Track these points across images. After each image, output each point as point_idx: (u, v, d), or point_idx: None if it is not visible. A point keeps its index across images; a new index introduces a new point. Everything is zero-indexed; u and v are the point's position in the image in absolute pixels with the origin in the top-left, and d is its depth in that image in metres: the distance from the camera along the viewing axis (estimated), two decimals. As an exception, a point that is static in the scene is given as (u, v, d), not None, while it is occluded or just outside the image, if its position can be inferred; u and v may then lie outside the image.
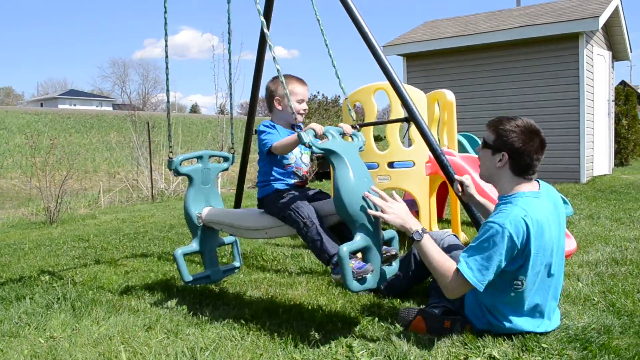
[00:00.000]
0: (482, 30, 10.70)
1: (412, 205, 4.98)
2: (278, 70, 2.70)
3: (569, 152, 9.95)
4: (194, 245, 3.32)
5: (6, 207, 13.48)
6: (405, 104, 3.50)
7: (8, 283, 4.07)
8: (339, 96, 21.19)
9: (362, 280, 2.45)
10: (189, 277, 3.23)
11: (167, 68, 3.50)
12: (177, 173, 3.29)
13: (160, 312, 3.08)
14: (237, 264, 3.60)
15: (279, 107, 3.02)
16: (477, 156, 4.72)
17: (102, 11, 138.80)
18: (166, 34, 3.51)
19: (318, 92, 18.75)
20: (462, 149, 6.14)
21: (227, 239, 3.54)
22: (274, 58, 2.72)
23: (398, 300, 3.11)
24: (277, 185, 2.95)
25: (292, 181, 2.98)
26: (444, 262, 2.39)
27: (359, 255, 2.55)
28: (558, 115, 10.02)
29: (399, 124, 4.16)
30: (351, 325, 2.75)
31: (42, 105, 64.38)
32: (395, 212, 2.45)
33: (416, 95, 4.09)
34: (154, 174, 13.11)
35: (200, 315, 3.00)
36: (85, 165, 23.16)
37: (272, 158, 2.95)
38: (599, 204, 6.86)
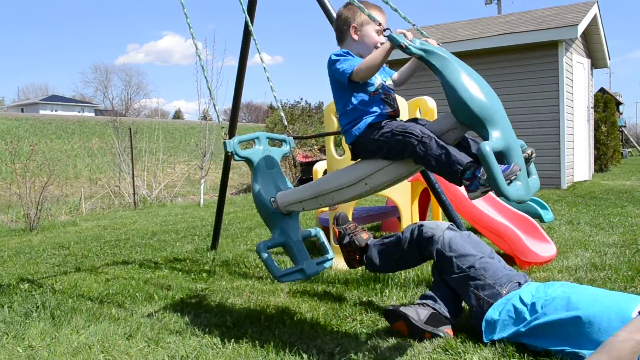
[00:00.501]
0: (462, 37, 10.81)
1: (394, 212, 5.01)
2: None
3: (549, 159, 10.07)
4: (277, 236, 2.84)
5: (-15, 214, 13.26)
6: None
7: (-14, 291, 4.01)
8: (322, 102, 21.25)
9: (513, 184, 2.04)
10: (279, 272, 2.73)
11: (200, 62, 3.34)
12: (237, 156, 2.83)
13: (140, 320, 3.06)
14: (329, 255, 3.01)
15: (355, 37, 2.55)
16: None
17: (84, 16, 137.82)
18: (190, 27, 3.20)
19: (301, 99, 18.78)
20: (444, 155, 6.18)
21: (311, 230, 3.07)
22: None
23: (380, 304, 3.12)
24: (370, 119, 2.43)
25: (385, 110, 2.46)
26: None
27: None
28: (538, 122, 10.15)
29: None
30: (333, 332, 2.75)
31: (22, 111, 63.64)
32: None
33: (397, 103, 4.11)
34: (136, 180, 13.01)
35: (182, 323, 2.98)
36: (67, 171, 22.89)
37: (355, 88, 2.45)
38: (579, 210, 6.95)
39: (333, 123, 4.49)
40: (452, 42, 10.71)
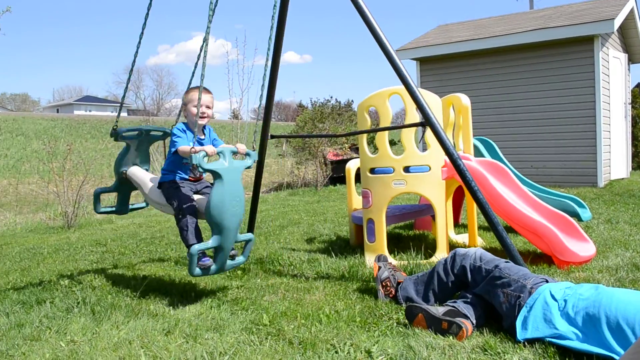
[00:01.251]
0: (495, 33, 10.65)
1: (428, 210, 4.97)
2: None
3: (585, 156, 9.86)
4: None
5: (24, 212, 13.63)
6: (421, 108, 3.50)
7: (28, 287, 4.12)
8: (352, 100, 21.20)
9: (205, 270, 3.32)
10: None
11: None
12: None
13: (178, 317, 3.10)
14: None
15: (185, 114, 3.72)
16: (493, 160, 4.71)
17: (116, 17, 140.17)
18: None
19: (331, 97, 18.77)
20: (477, 152, 6.11)
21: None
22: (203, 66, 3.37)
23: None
24: (172, 177, 3.65)
25: (187, 175, 3.67)
26: None
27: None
28: (574, 119, 9.95)
29: (414, 128, 4.16)
30: (370, 330, 2.75)
31: (58, 112, 65.15)
32: None
33: (431, 100, 4.08)
34: (169, 179, 13.17)
35: (218, 320, 3.02)
36: (102, 170, 23.33)
37: (177, 155, 3.51)
38: (617, 208, 6.79)
39: (366, 121, 4.48)
40: (484, 39, 10.57)
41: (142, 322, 3.02)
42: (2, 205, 15.66)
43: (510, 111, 10.52)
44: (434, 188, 4.23)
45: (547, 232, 3.88)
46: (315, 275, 3.99)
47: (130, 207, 4.27)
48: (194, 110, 3.51)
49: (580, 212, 5.72)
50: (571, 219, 4.28)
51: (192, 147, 3.16)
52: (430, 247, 4.60)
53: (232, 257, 3.52)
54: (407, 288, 3.17)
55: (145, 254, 5.44)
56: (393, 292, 3.22)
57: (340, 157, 15.57)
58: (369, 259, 4.25)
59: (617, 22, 9.60)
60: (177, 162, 3.61)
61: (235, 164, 3.33)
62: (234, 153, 3.35)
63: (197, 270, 3.25)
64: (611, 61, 10.40)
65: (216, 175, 3.15)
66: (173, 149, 3.49)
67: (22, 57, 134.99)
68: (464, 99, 4.88)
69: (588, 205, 6.45)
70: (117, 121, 3.93)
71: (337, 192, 12.11)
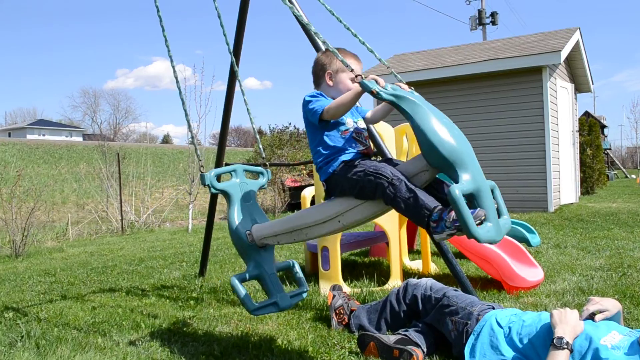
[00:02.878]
0: (448, 63, 10.97)
1: (383, 237, 5.02)
2: (325, 42, 2.61)
3: (536, 182, 10.17)
4: (251, 269, 2.83)
5: (-31, 241, 13.09)
6: (372, 138, 3.56)
7: (-31, 321, 3.95)
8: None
9: (483, 225, 2.10)
10: (253, 305, 2.73)
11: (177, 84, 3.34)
12: (214, 189, 2.86)
13: (127, 350, 3.03)
14: (304, 287, 3.00)
15: (330, 83, 2.64)
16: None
17: (73, 40, 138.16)
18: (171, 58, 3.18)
19: (290, 123, 18.84)
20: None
21: (285, 263, 3.09)
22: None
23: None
24: (343, 157, 2.49)
25: (357, 149, 2.54)
26: None
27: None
28: (524, 146, 10.27)
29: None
30: (321, 360, 2.74)
31: (9, 135, 63.34)
32: (562, 313, 2.31)
33: (383, 129, 4.16)
34: (123, 205, 12.93)
35: (169, 352, 2.95)
36: (54, 196, 22.71)
37: (326, 128, 2.53)
38: (566, 233, 7.00)
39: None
40: (439, 68, 10.87)
41: (89, 356, 2.93)
42: (-53, 233, 15.00)
43: (464, 138, 10.77)
44: (387, 216, 4.26)
45: (496, 258, 3.97)
46: (270, 304, 3.95)
47: (290, 294, 2.91)
48: (350, 84, 2.58)
49: (530, 237, 5.86)
50: (520, 244, 4.39)
51: (355, 78, 2.34)
52: (384, 274, 4.64)
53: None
54: (360, 316, 3.18)
55: (96, 284, 5.30)
56: (346, 320, 3.23)
57: (299, 184, 15.60)
58: (324, 287, 4.25)
59: (564, 54, 10.03)
60: (330, 136, 2.53)
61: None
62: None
63: (481, 231, 2.10)
64: (559, 91, 10.83)
65: (407, 102, 2.25)
66: (317, 115, 2.47)
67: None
68: (417, 128, 4.98)
69: (538, 230, 6.63)
70: (200, 160, 3.11)
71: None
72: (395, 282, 4.22)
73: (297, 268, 3.08)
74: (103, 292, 4.82)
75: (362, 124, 2.65)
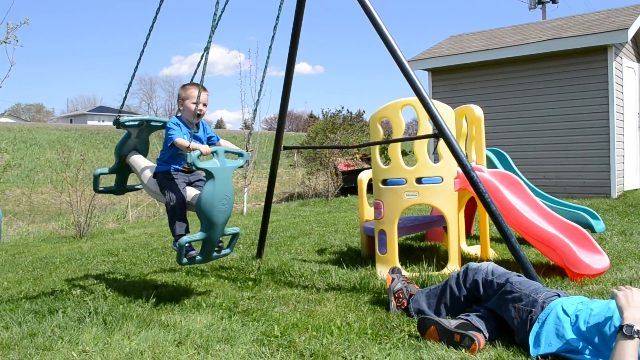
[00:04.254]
0: (508, 44, 10.63)
1: (441, 222, 4.95)
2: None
3: (599, 167, 9.78)
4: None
5: (37, 221, 13.75)
6: (434, 119, 3.49)
7: (41, 296, 4.14)
8: (364, 111, 21.20)
9: (191, 259, 3.60)
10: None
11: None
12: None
13: (190, 328, 3.10)
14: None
15: (181, 108, 3.84)
16: (505, 172, 4.68)
17: (130, 28, 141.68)
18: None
19: (342, 107, 18.80)
20: (490, 164, 6.08)
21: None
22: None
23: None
24: (167, 167, 3.80)
25: (181, 166, 3.80)
26: None
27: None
28: (587, 129, 9.88)
29: (426, 139, 4.15)
30: (382, 343, 2.73)
31: (71, 122, 65.81)
32: (627, 294, 2.22)
33: (444, 111, 4.07)
34: (180, 189, 13.23)
35: (229, 331, 3.01)
36: (114, 180, 23.52)
37: (173, 147, 3.69)
38: (631, 220, 6.71)
39: (378, 132, 4.48)
40: (498, 49, 10.55)
41: (154, 333, 3.02)
42: (16, 215, 15.81)
43: (523, 122, 10.47)
44: (446, 199, 4.21)
45: (560, 244, 3.84)
46: (327, 287, 3.97)
47: (127, 187, 4.48)
48: (192, 107, 3.68)
49: (594, 223, 5.66)
50: (584, 230, 4.23)
51: (190, 143, 3.41)
52: (442, 259, 4.58)
53: (219, 250, 3.84)
54: (419, 301, 3.14)
55: (157, 264, 5.46)
56: (405, 304, 3.20)
57: (352, 168, 15.57)
58: (381, 271, 4.23)
59: (631, 32, 9.54)
60: (172, 154, 3.77)
61: (228, 164, 3.52)
62: (227, 152, 3.55)
63: (185, 260, 3.55)
64: (625, 71, 10.34)
65: (208, 174, 3.36)
66: (170, 142, 3.65)
67: (37, 68, 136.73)
68: (477, 110, 4.87)
69: (601, 217, 6.38)
70: (120, 110, 4.07)
71: (348, 202, 12.09)
72: (453, 266, 4.15)
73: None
74: (164, 271, 4.96)
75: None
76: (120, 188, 4.47)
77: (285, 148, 4.76)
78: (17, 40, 6.90)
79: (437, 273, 4.08)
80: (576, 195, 9.69)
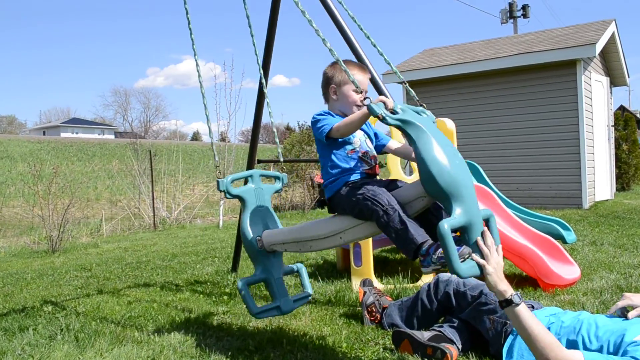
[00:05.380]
0: (479, 57, 10.83)
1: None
2: (334, 54, 2.54)
3: (570, 178, 9.98)
4: (258, 274, 2.95)
5: (8, 236, 13.46)
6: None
7: (11, 314, 4.06)
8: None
9: (467, 261, 2.16)
10: (256, 309, 2.87)
11: (201, 86, 3.20)
12: (229, 194, 2.92)
13: (163, 344, 3.07)
14: (309, 291, 3.13)
15: (334, 97, 2.73)
16: (477, 184, 4.75)
17: (105, 40, 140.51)
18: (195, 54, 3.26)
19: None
20: (463, 176, 6.15)
21: (293, 266, 3.17)
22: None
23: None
24: (346, 178, 2.59)
25: (362, 169, 2.62)
26: (544, 335, 2.11)
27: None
28: (558, 141, 10.09)
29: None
30: (357, 356, 2.74)
31: (44, 134, 64.80)
32: (496, 266, 2.16)
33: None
34: (155, 202, 13.12)
35: (204, 347, 2.99)
36: (87, 193, 23.20)
37: (334, 145, 2.61)
38: (602, 230, 6.86)
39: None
40: (470, 62, 10.74)
41: (127, 350, 2.98)
42: (-14, 229, 15.45)
43: (496, 134, 10.64)
44: (420, 212, 4.25)
45: (532, 255, 3.91)
46: (302, 300, 3.97)
47: (294, 298, 3.04)
48: (355, 96, 2.67)
49: (565, 234, 5.75)
50: (556, 241, 4.32)
51: (363, 104, 2.52)
52: (417, 271, 4.61)
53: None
54: (392, 314, 3.16)
55: (131, 279, 5.39)
56: (379, 318, 3.22)
57: (328, 180, 15.58)
58: (356, 284, 4.25)
59: (599, 47, 9.81)
60: (337, 153, 2.62)
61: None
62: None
63: (464, 267, 2.14)
64: (593, 84, 10.60)
65: (413, 127, 2.25)
66: (325, 133, 2.55)
67: (9, 79, 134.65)
68: (449, 123, 4.93)
69: (573, 227, 6.50)
70: (217, 166, 3.10)
71: (324, 214, 12.11)
72: (428, 278, 4.19)
73: (303, 272, 3.18)
74: (138, 287, 4.90)
75: (370, 144, 2.73)
76: (285, 299, 2.99)
77: (260, 161, 4.77)
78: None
79: (412, 285, 4.11)
80: (549, 206, 9.86)
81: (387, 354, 2.74)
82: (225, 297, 4.17)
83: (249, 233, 2.93)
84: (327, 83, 2.76)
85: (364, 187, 2.45)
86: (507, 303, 2.14)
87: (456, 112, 10.52)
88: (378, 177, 2.71)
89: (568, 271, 4.00)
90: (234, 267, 5.18)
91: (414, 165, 4.27)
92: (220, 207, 12.04)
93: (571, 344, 2.30)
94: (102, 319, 3.71)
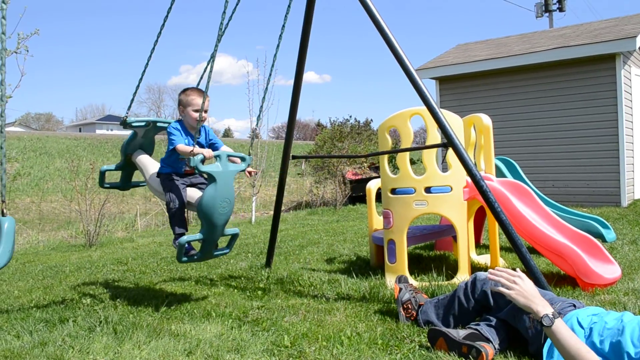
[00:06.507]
0: (515, 52, 10.64)
1: (450, 231, 4.94)
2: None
3: (608, 175, 9.74)
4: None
5: (47, 230, 13.82)
6: (442, 129, 3.49)
7: (51, 305, 4.16)
8: (371, 119, 21.20)
9: (190, 257, 3.78)
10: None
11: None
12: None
13: (200, 337, 3.10)
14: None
15: (183, 114, 3.92)
16: (515, 181, 4.67)
17: (139, 37, 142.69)
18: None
19: (350, 116, 18.81)
20: (499, 173, 6.07)
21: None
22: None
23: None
24: (170, 170, 3.91)
25: (182, 169, 3.91)
26: (585, 353, 2.12)
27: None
28: (596, 138, 9.85)
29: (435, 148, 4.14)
30: (392, 353, 2.72)
31: (80, 130, 66.20)
32: (521, 290, 2.35)
33: (453, 120, 4.07)
34: (189, 198, 13.27)
35: (240, 341, 3.01)
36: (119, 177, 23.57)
37: (174, 152, 3.76)
38: (642, 229, 6.67)
39: (387, 141, 4.49)
40: (505, 57, 10.56)
41: (164, 342, 3.02)
42: (25, 223, 15.89)
43: (532, 130, 10.44)
44: (455, 209, 4.20)
45: (571, 253, 3.82)
46: (336, 296, 3.97)
47: (132, 183, 4.64)
48: (194, 114, 3.80)
49: (604, 232, 5.63)
50: (595, 240, 4.21)
51: (193, 148, 3.49)
52: (451, 268, 4.56)
53: (216, 247, 3.98)
54: (428, 312, 3.13)
55: (166, 272, 5.47)
56: (414, 315, 3.19)
57: (360, 177, 15.56)
58: (390, 280, 4.23)
59: (639, 40, 9.53)
60: (174, 157, 3.86)
61: (230, 168, 3.60)
62: (229, 156, 3.63)
63: (184, 259, 3.73)
64: (633, 79, 10.31)
65: (210, 177, 3.45)
66: (171, 147, 3.74)
67: (47, 77, 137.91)
68: (485, 119, 4.86)
69: (612, 226, 6.35)
70: (127, 111, 4.09)
71: (356, 211, 12.08)
72: (463, 276, 4.14)
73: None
74: (173, 280, 4.97)
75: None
76: (126, 184, 4.64)
77: (294, 157, 4.78)
78: (27, 50, 6.99)
79: (446, 283, 4.07)
80: (585, 204, 9.65)
81: (423, 352, 2.71)
82: (259, 292, 4.20)
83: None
84: (178, 105, 3.98)
85: (173, 182, 3.88)
86: (541, 324, 2.18)
87: (492, 107, 10.36)
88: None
89: (608, 270, 3.90)
90: (268, 263, 5.20)
91: (449, 160, 4.23)
92: (252, 202, 12.12)
93: (614, 346, 2.24)
94: (140, 312, 3.77)
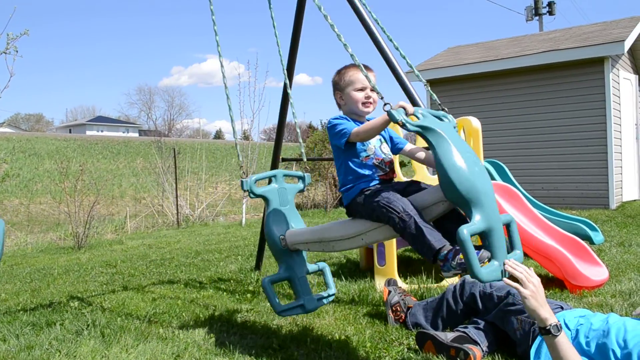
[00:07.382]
0: (505, 55, 10.69)
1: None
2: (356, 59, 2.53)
3: (597, 177, 9.81)
4: (282, 272, 2.99)
5: (35, 232, 13.71)
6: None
7: (38, 308, 4.12)
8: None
9: (489, 264, 2.14)
10: (280, 307, 2.91)
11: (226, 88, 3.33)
12: (252, 194, 3.01)
13: (188, 341, 3.09)
14: (331, 290, 3.12)
15: (342, 102, 2.80)
16: (503, 183, 4.70)
17: (131, 39, 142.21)
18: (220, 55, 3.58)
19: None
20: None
21: (317, 265, 3.18)
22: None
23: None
24: (362, 185, 2.62)
25: (377, 175, 2.64)
26: None
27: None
28: (585, 140, 9.92)
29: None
30: (380, 356, 2.72)
31: (70, 132, 65.79)
32: (535, 292, 2.13)
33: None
34: (179, 200, 13.24)
35: (228, 344, 3.00)
36: (112, 190, 23.49)
37: (350, 152, 2.63)
38: (630, 231, 6.72)
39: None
40: (495, 60, 10.61)
41: (152, 346, 3.01)
42: (14, 225, 15.76)
43: (521, 133, 10.50)
44: (444, 211, 4.21)
45: (559, 255, 3.84)
46: (325, 299, 3.96)
47: (317, 297, 3.05)
48: (358, 95, 2.71)
49: (592, 235, 5.67)
50: (583, 242, 4.24)
51: (385, 111, 2.28)
52: (441, 271, 4.57)
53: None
54: (417, 314, 3.14)
55: (155, 275, 5.45)
56: (403, 317, 3.20)
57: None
58: (379, 283, 4.23)
59: (628, 44, 9.62)
60: (352, 161, 2.65)
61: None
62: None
63: (485, 272, 2.11)
64: (622, 82, 10.40)
65: (432, 133, 2.22)
66: (344, 138, 2.58)
67: (37, 78, 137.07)
68: (474, 122, 4.87)
69: (600, 228, 6.39)
70: (241, 167, 3.19)
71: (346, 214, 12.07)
72: (453, 279, 4.15)
73: (327, 271, 3.17)
74: (162, 283, 4.94)
75: (385, 149, 2.73)
76: (308, 298, 3.01)
77: (284, 160, 4.78)
78: (17, 51, 6.91)
79: (435, 285, 4.08)
80: (574, 206, 9.71)
81: (411, 354, 2.72)
82: (248, 295, 4.19)
83: (273, 232, 2.97)
84: (334, 91, 2.85)
85: (379, 195, 2.45)
86: (546, 332, 2.11)
87: (481, 110, 10.40)
88: (396, 180, 2.74)
89: (596, 272, 3.93)
90: (257, 265, 5.19)
91: None
92: (243, 205, 12.10)
93: (600, 347, 2.25)
94: (128, 315, 3.75)
